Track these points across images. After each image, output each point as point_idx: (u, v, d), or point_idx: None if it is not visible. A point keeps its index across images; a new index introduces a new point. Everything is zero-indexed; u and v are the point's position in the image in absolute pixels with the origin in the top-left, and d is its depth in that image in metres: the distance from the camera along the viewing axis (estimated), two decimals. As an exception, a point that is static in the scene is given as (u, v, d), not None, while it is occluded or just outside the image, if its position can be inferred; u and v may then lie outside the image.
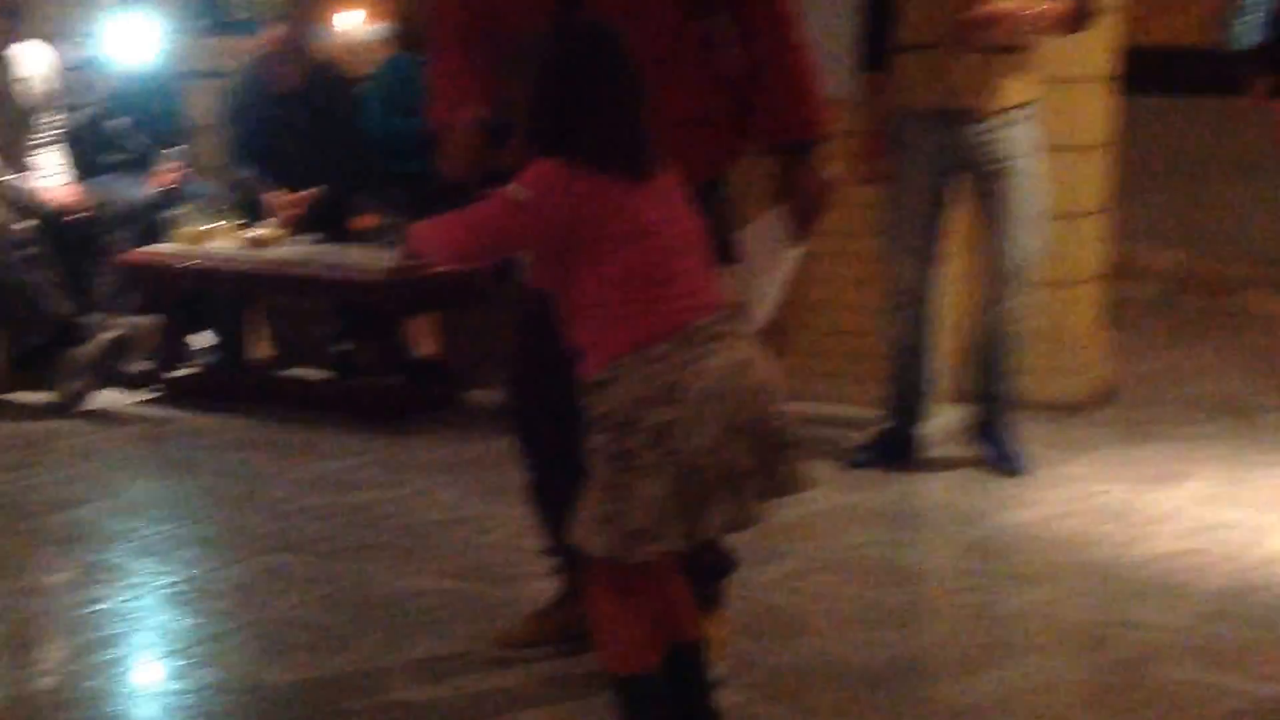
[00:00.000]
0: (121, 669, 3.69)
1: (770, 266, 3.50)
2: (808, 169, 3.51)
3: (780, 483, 3.00)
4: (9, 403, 6.33)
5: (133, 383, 6.46)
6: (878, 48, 5.35)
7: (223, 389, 6.50)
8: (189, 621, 4.04)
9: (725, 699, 3.41)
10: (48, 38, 7.11)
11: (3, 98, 6.77)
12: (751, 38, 3.47)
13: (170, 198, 6.99)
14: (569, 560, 3.40)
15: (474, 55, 3.54)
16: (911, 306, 5.44)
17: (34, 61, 6.91)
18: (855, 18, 5.44)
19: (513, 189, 2.96)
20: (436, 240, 3.16)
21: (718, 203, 3.48)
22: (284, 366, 6.95)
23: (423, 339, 6.67)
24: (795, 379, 6.21)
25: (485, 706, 3.54)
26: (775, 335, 3.54)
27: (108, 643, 3.84)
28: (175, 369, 6.53)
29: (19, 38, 6.86)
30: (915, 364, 5.50)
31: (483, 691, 3.60)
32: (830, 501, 5.05)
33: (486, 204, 3.02)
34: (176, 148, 7.21)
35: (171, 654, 3.80)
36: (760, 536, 4.65)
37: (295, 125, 6.85)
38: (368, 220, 6.54)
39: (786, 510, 4.90)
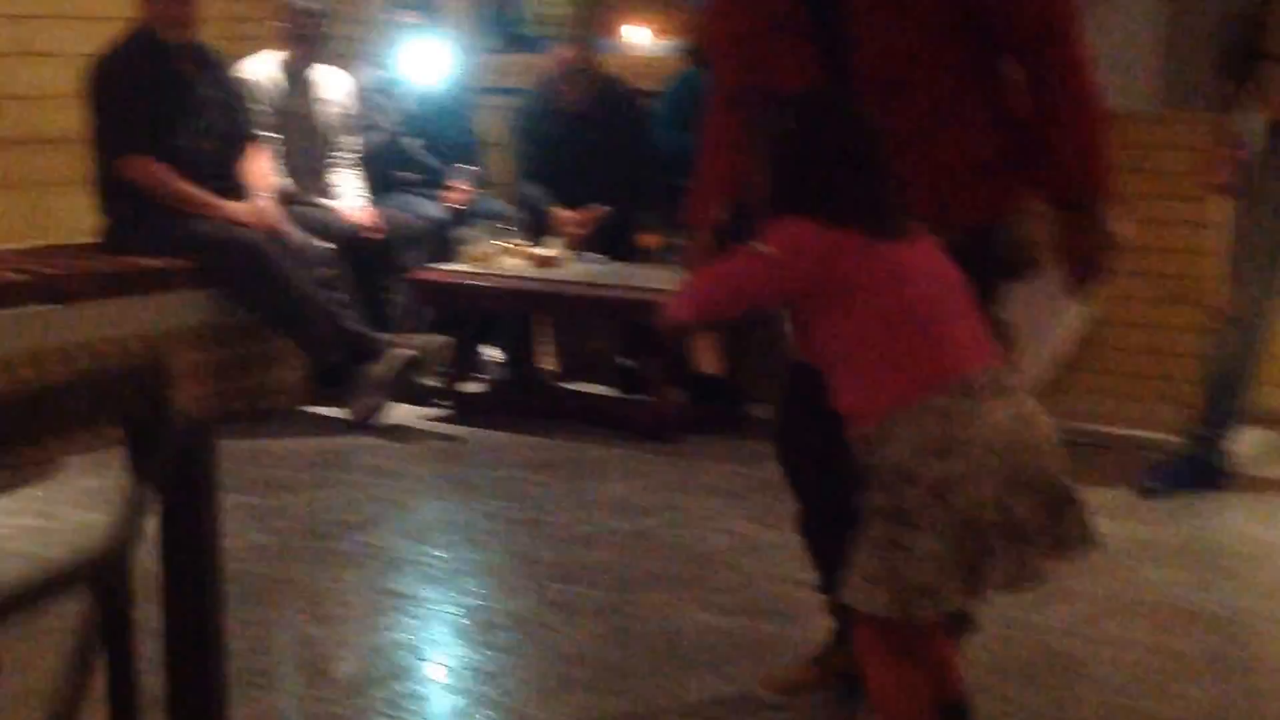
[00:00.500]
0: (403, 705, 3.66)
1: (1045, 324, 3.36)
2: (1089, 227, 3.31)
3: (1066, 539, 2.85)
4: (308, 416, 6.46)
5: (425, 399, 6.53)
6: (1243, 58, 5.15)
7: (511, 404, 6.54)
8: (471, 656, 4.00)
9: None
10: (345, 61, 7.25)
11: (302, 120, 6.91)
12: (1039, 84, 3.30)
13: (461, 216, 7.08)
14: (841, 603, 3.28)
15: (739, 123, 3.41)
16: (1243, 330, 5.19)
17: (332, 85, 7.04)
18: (1220, 27, 5.26)
19: (760, 245, 2.91)
20: (685, 305, 3.09)
21: (994, 250, 3.36)
22: (569, 380, 6.96)
23: (707, 356, 6.59)
24: (1085, 399, 6.13)
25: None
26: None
27: (392, 675, 3.81)
28: (465, 385, 6.58)
29: (319, 61, 6.99)
30: (1232, 390, 5.25)
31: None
32: (1121, 535, 4.84)
33: (734, 261, 2.99)
34: (468, 167, 7.28)
35: (452, 690, 3.75)
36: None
37: (583, 144, 6.87)
38: (654, 238, 6.50)
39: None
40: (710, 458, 5.88)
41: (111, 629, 1.46)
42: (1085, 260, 3.33)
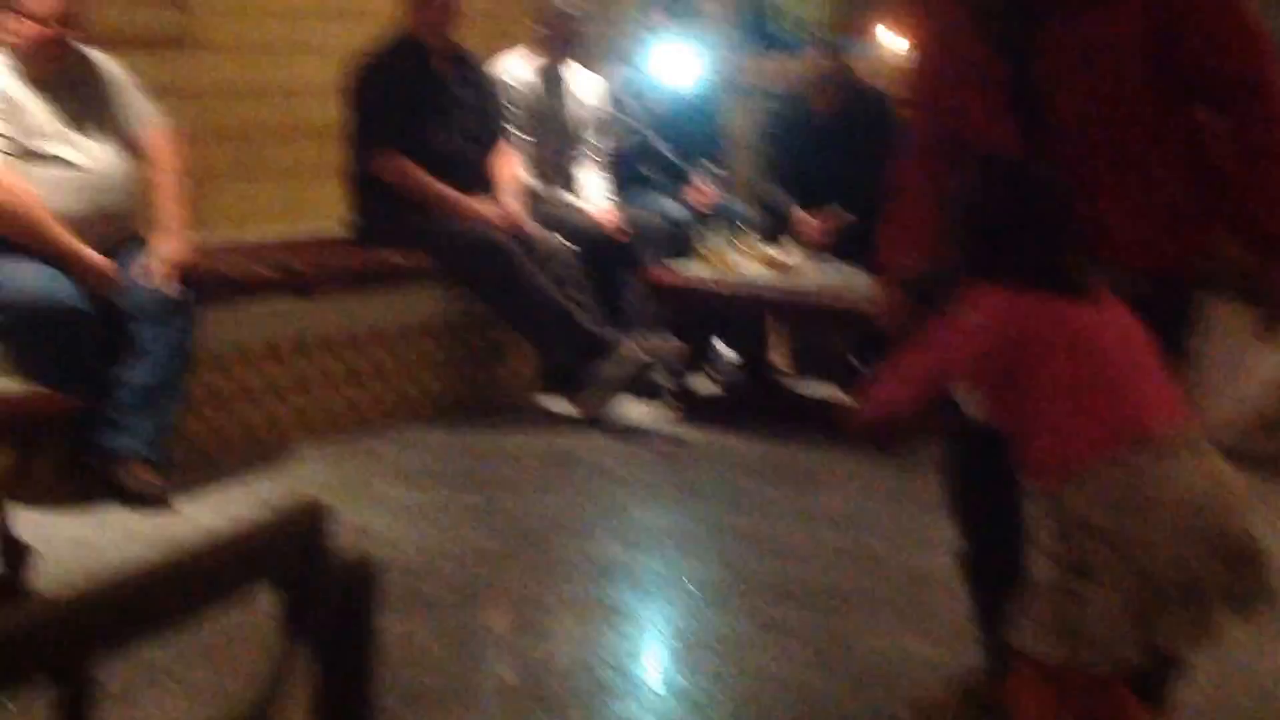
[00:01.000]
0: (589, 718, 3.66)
1: (1240, 372, 3.27)
2: None
3: (1248, 599, 2.82)
4: (539, 411, 6.50)
5: (656, 398, 6.52)
6: None
7: (742, 405, 6.50)
8: (675, 678, 3.96)
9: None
10: (598, 61, 7.25)
11: (553, 119, 6.94)
12: (1241, 134, 3.24)
13: (703, 217, 7.04)
14: (996, 640, 3.20)
15: (936, 169, 3.41)
16: None
17: (585, 85, 7.06)
18: None
19: (961, 314, 2.93)
20: (899, 392, 3.03)
21: (1185, 300, 3.33)
22: (802, 379, 6.89)
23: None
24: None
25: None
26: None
27: (591, 694, 3.78)
28: (697, 385, 6.56)
29: (573, 61, 7.01)
30: None
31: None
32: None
33: (935, 337, 2.98)
34: (714, 167, 7.25)
35: (652, 714, 3.72)
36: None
37: (832, 149, 6.77)
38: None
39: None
40: (936, 469, 5.73)
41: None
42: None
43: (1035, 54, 3.21)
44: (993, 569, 3.14)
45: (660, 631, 4.25)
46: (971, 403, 3.08)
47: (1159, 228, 3.27)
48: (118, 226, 5.18)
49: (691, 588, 4.56)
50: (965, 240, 3.04)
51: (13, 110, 5.00)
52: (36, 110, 5.05)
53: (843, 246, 6.62)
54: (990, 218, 3.01)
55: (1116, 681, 2.96)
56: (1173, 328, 3.18)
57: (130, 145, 5.25)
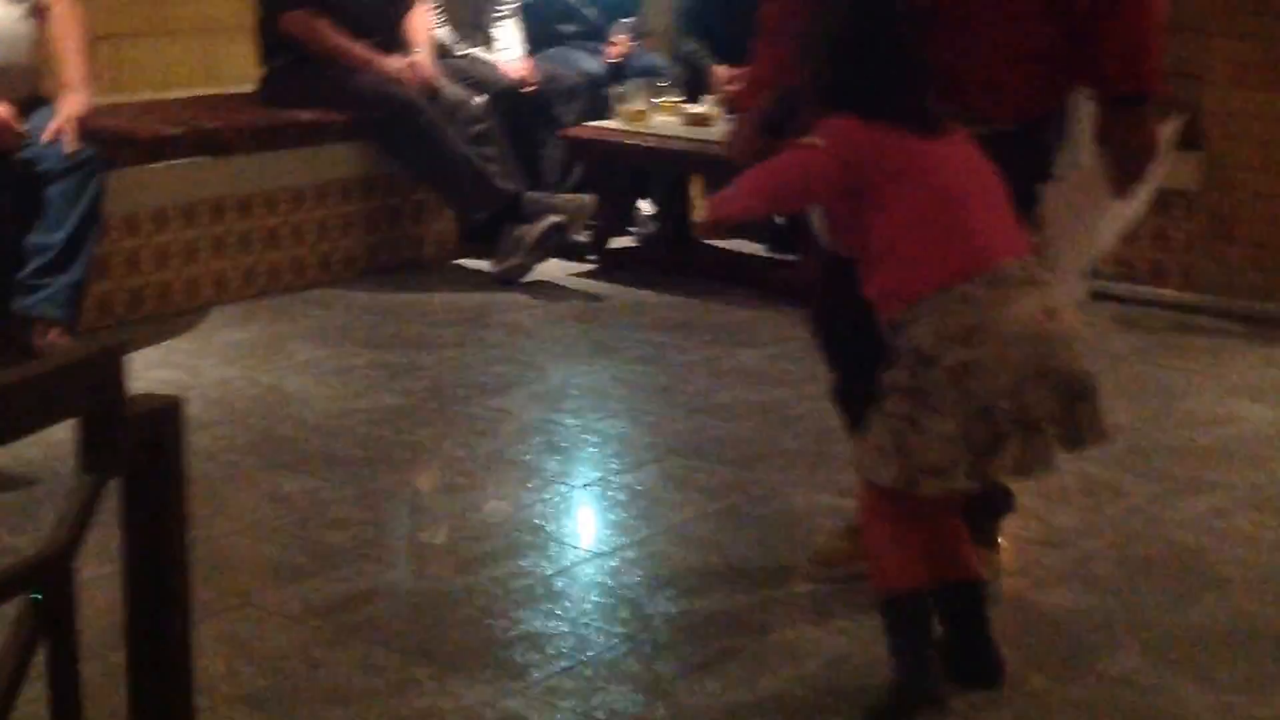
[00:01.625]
0: (509, 583, 3.63)
1: (1087, 218, 3.35)
2: (1134, 124, 3.29)
3: (1079, 433, 2.89)
4: (456, 269, 6.44)
5: (574, 253, 6.47)
6: None
7: (659, 261, 6.46)
8: (590, 534, 3.97)
9: (1123, 663, 3.21)
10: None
11: (464, -29, 6.83)
12: None
13: (619, 71, 6.95)
14: None
15: (794, 6, 3.33)
16: None
17: (494, -65, 6.95)
18: None
19: (808, 139, 2.97)
20: (738, 196, 3.11)
21: (1042, 144, 3.37)
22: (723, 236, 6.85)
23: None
24: (1235, 273, 5.87)
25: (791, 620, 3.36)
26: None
27: (502, 552, 3.76)
28: (614, 241, 6.51)
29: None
30: None
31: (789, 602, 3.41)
32: (1268, 422, 4.66)
33: (783, 156, 3.04)
34: (627, 20, 7.15)
35: (560, 571, 3.68)
36: (1178, 462, 4.38)
37: (753, 4, 6.65)
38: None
39: (1215, 431, 4.63)
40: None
41: (52, 634, 1.41)
42: (1129, 157, 3.30)
43: None
44: (857, 399, 3.17)
45: (575, 489, 4.22)
46: (823, 231, 3.18)
47: (1025, 77, 3.28)
48: (20, 85, 5.05)
49: (604, 444, 4.53)
50: (825, 70, 3.05)
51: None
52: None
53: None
54: (852, 48, 3.03)
55: (952, 511, 3.05)
56: (1031, 174, 3.26)
57: (31, 3, 5.12)
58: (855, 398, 3.23)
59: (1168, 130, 3.46)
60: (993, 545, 3.60)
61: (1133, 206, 3.47)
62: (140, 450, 1.46)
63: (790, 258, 6.31)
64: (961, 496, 3.01)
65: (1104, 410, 2.92)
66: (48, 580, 1.37)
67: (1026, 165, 3.23)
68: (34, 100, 5.11)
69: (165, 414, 1.49)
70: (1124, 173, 3.33)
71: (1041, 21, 3.28)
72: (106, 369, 1.38)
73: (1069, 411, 2.86)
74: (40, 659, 1.48)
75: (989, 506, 3.52)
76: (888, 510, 2.99)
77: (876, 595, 3.05)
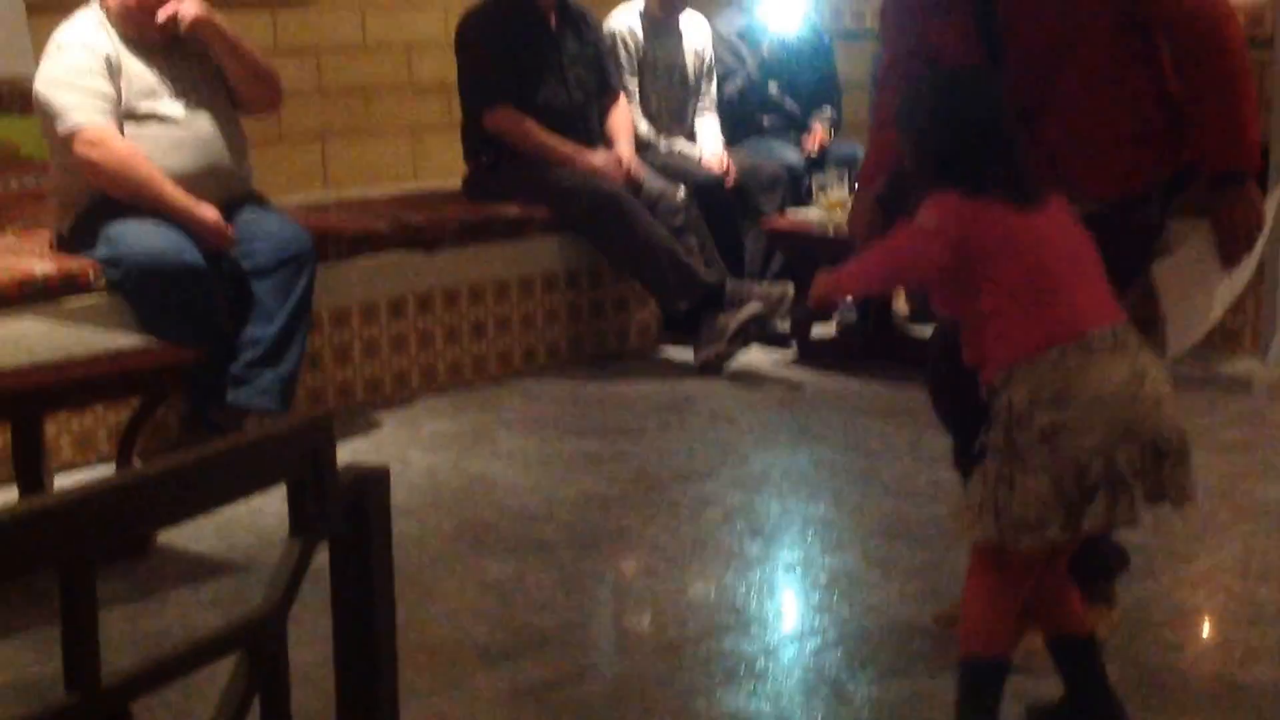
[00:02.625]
0: (714, 665, 3.66)
1: (1195, 292, 3.52)
2: (1239, 199, 3.45)
3: (1163, 490, 3.03)
4: (658, 359, 6.52)
5: (775, 342, 6.52)
6: None
7: (860, 348, 6.48)
8: (792, 616, 3.98)
9: None
10: (706, 7, 7.24)
11: (663, 68, 6.94)
12: (1189, 62, 3.44)
13: (818, 161, 7.02)
14: None
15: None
16: None
17: (693, 32, 7.06)
18: None
19: (918, 219, 3.11)
20: (853, 275, 3.32)
21: (1146, 220, 3.55)
22: (920, 322, 6.86)
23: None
24: None
25: None
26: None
27: (706, 634, 3.79)
28: (814, 330, 6.54)
29: (682, 7, 7.01)
30: None
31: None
32: None
33: (896, 235, 3.21)
34: (827, 110, 7.22)
35: (764, 652, 3.71)
36: None
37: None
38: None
39: None
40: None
41: (266, 689, 1.48)
42: (1236, 231, 3.46)
43: None
44: (973, 464, 3.24)
45: (777, 571, 4.25)
46: (934, 302, 3.34)
47: (1129, 158, 3.48)
48: (231, 183, 5.25)
49: (806, 528, 4.56)
50: (921, 148, 3.20)
51: (118, 72, 5.07)
52: (141, 71, 5.11)
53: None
54: (945, 125, 3.16)
55: (1060, 569, 3.17)
56: (1136, 248, 3.46)
57: (236, 103, 5.33)
58: (970, 462, 3.32)
59: (1272, 203, 3.58)
60: (1110, 602, 3.72)
61: (1240, 278, 3.60)
62: (348, 516, 1.53)
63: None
64: (1067, 554, 3.16)
65: (1192, 470, 3.04)
66: (261, 637, 1.44)
67: (1131, 240, 3.44)
68: (244, 199, 5.30)
69: (372, 482, 1.57)
70: (1232, 246, 3.48)
71: (1143, 107, 3.48)
72: (316, 438, 1.45)
73: (1156, 470, 2.99)
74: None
75: (1104, 566, 3.68)
76: (988, 573, 3.11)
77: (961, 655, 3.14)
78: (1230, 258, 3.49)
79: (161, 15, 5.09)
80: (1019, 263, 3.05)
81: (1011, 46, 3.44)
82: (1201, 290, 3.53)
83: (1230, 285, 3.59)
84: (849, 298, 3.39)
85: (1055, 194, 3.15)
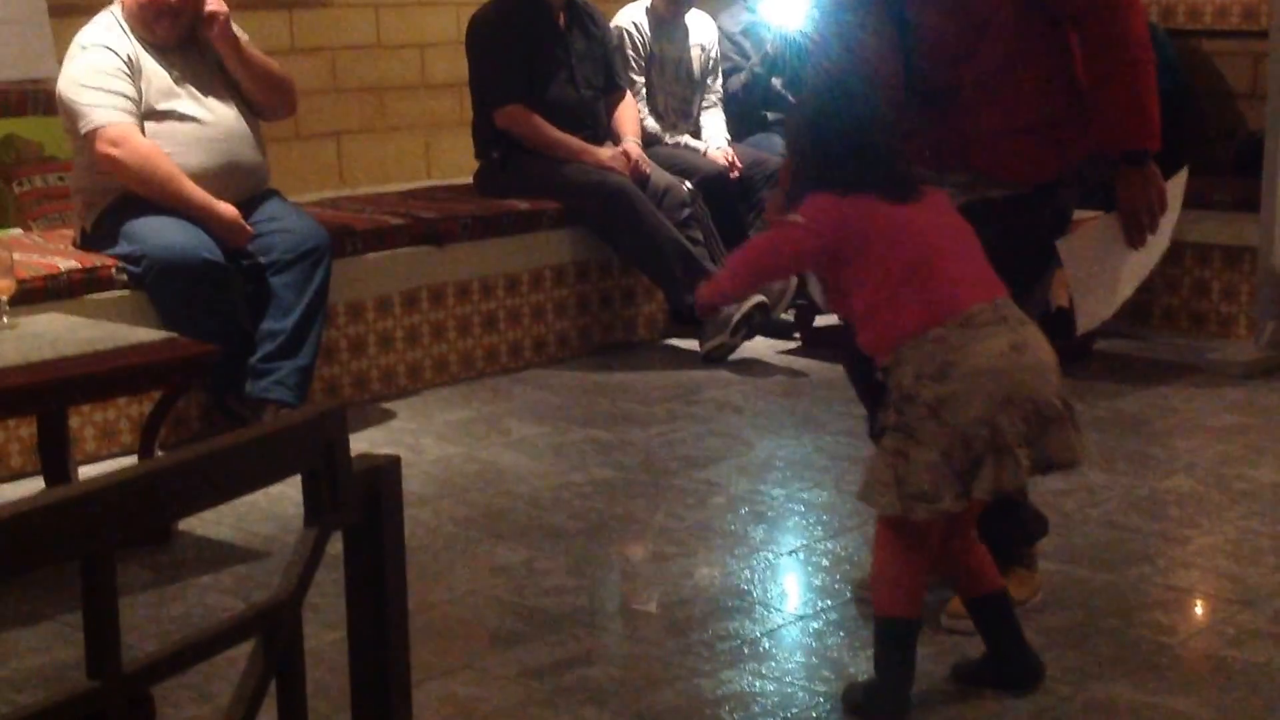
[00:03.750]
0: (719, 648, 3.68)
1: (1102, 269, 3.60)
2: (1141, 179, 3.56)
3: (1050, 454, 3.15)
4: (665, 349, 6.55)
5: (778, 332, 6.54)
6: None
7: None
8: (789, 596, 3.99)
9: None
10: (709, 5, 7.26)
11: (669, 64, 6.96)
12: (1092, 50, 3.53)
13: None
14: None
15: None
16: None
17: (697, 29, 7.07)
18: None
19: (792, 218, 3.30)
20: (728, 277, 3.49)
21: (1057, 204, 3.66)
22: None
23: (1055, 289, 6.43)
24: None
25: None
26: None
27: (711, 617, 3.82)
28: (817, 319, 6.55)
29: (688, 5, 7.03)
30: None
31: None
32: None
33: (768, 234, 3.45)
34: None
35: (768, 634, 3.72)
36: None
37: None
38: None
39: None
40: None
41: (282, 673, 1.50)
42: (1137, 211, 3.55)
43: None
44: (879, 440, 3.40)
45: (780, 555, 4.27)
46: (818, 294, 3.52)
47: (1036, 145, 3.57)
48: (248, 180, 5.28)
49: (810, 514, 4.57)
50: (801, 153, 3.39)
51: (138, 72, 5.10)
52: (160, 71, 5.14)
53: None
54: (822, 131, 3.32)
55: (968, 534, 3.34)
56: (1047, 231, 3.58)
57: (250, 102, 5.36)
58: (877, 438, 3.45)
59: (1176, 186, 3.68)
60: (1031, 566, 3.83)
61: (1151, 257, 3.70)
62: (362, 504, 1.56)
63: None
64: (971, 521, 3.32)
65: (1076, 436, 3.17)
66: (278, 622, 1.46)
67: (1042, 223, 3.58)
68: (261, 196, 5.33)
69: (385, 472, 1.59)
70: (1135, 225, 3.58)
71: (1052, 94, 3.58)
72: (331, 429, 1.47)
73: (1041, 435, 3.13)
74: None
75: (1025, 531, 3.81)
76: (894, 541, 3.26)
77: (875, 615, 3.31)
78: (1134, 236, 3.59)
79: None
80: (897, 251, 3.21)
81: (921, 38, 3.57)
82: (1106, 267, 3.61)
83: (1140, 263, 3.68)
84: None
85: (931, 188, 3.34)
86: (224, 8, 5.16)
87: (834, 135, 3.29)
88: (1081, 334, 4.13)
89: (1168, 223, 3.64)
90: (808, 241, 3.27)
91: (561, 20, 6.46)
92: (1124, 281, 3.68)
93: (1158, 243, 3.67)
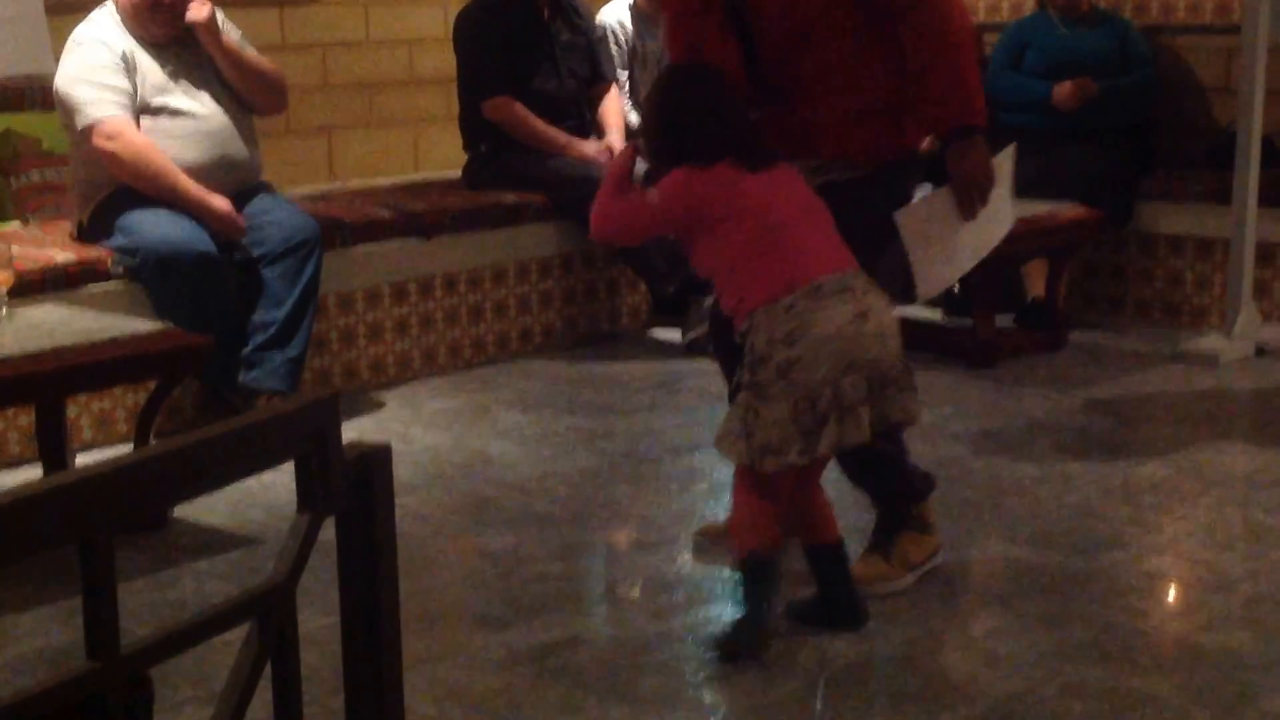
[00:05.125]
0: (702, 632, 3.70)
1: (939, 240, 3.76)
2: (969, 154, 3.70)
3: (888, 413, 3.43)
4: (649, 340, 6.56)
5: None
6: None
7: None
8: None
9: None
10: None
11: (653, 59, 6.96)
12: (916, 40, 3.69)
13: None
14: None
15: None
16: None
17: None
18: None
19: (650, 193, 3.53)
20: (602, 212, 3.62)
21: (898, 182, 3.87)
22: (899, 304, 6.90)
23: (1032, 280, 6.46)
24: None
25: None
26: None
27: (696, 602, 3.83)
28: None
29: None
30: None
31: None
32: None
33: (634, 202, 3.58)
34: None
35: (752, 619, 3.74)
36: None
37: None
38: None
39: None
40: (1030, 384, 5.75)
41: (277, 655, 1.51)
42: (967, 183, 3.71)
43: None
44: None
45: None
46: (692, 264, 3.66)
47: (873, 130, 3.76)
48: (241, 174, 5.28)
49: (790, 500, 4.58)
50: (655, 132, 3.60)
51: (133, 68, 5.10)
52: (155, 67, 5.14)
53: (929, 171, 6.55)
54: (673, 111, 3.54)
55: (813, 487, 3.59)
56: (890, 208, 3.73)
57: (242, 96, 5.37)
58: (733, 396, 3.64)
59: (1003, 158, 3.83)
60: (927, 529, 3.98)
61: (991, 230, 3.86)
62: (353, 491, 1.57)
63: (963, 322, 6.33)
64: (817, 474, 3.58)
65: (912, 396, 3.45)
66: (271, 607, 1.47)
67: (885, 201, 3.74)
68: (254, 189, 5.33)
69: (376, 459, 1.60)
70: (966, 197, 3.73)
71: (885, 84, 3.75)
72: (322, 417, 1.48)
73: (881, 396, 3.39)
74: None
75: (911, 490, 3.98)
76: (748, 488, 3.49)
77: (736, 556, 3.55)
78: (965, 208, 3.74)
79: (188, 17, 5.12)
80: (752, 222, 3.42)
81: (760, 38, 3.75)
82: (943, 238, 3.76)
83: (980, 236, 3.83)
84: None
85: (783, 160, 3.56)
86: (204, 14, 5.14)
87: (685, 110, 3.51)
88: (922, 299, 4.49)
89: (999, 197, 3.79)
90: (657, 219, 3.55)
91: (545, 13, 6.46)
92: (962, 252, 3.86)
93: (998, 217, 3.84)
